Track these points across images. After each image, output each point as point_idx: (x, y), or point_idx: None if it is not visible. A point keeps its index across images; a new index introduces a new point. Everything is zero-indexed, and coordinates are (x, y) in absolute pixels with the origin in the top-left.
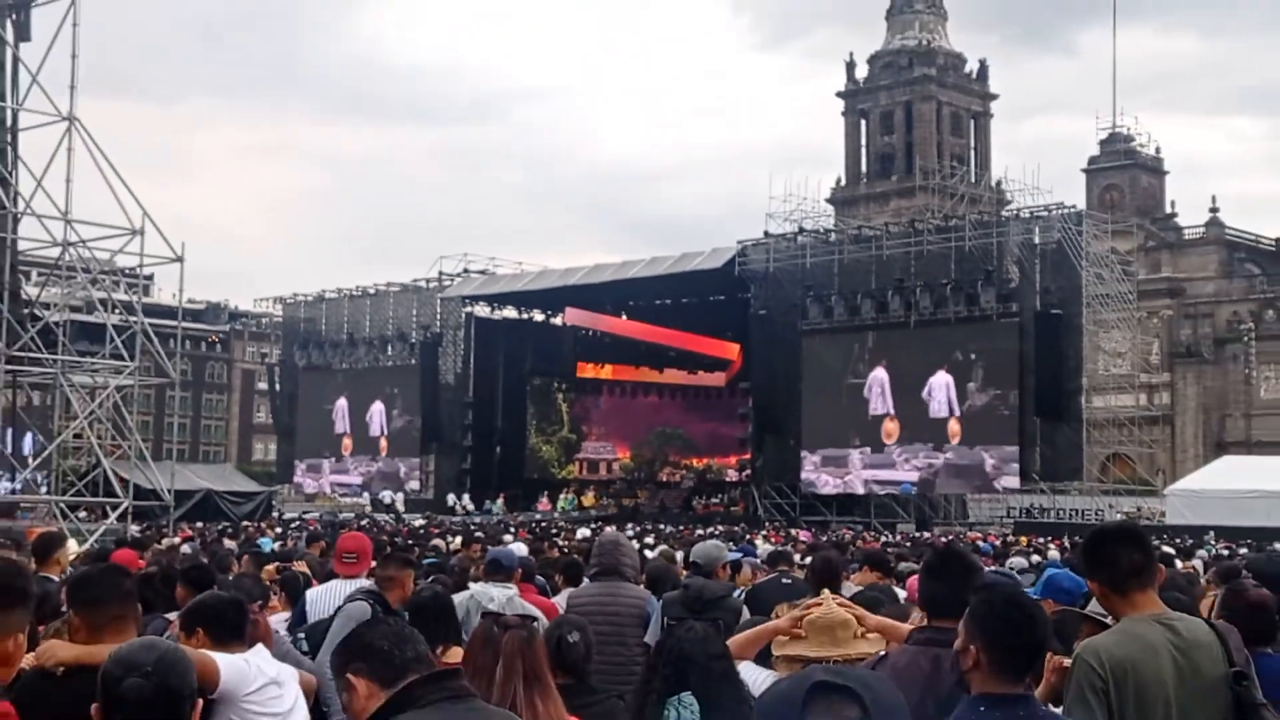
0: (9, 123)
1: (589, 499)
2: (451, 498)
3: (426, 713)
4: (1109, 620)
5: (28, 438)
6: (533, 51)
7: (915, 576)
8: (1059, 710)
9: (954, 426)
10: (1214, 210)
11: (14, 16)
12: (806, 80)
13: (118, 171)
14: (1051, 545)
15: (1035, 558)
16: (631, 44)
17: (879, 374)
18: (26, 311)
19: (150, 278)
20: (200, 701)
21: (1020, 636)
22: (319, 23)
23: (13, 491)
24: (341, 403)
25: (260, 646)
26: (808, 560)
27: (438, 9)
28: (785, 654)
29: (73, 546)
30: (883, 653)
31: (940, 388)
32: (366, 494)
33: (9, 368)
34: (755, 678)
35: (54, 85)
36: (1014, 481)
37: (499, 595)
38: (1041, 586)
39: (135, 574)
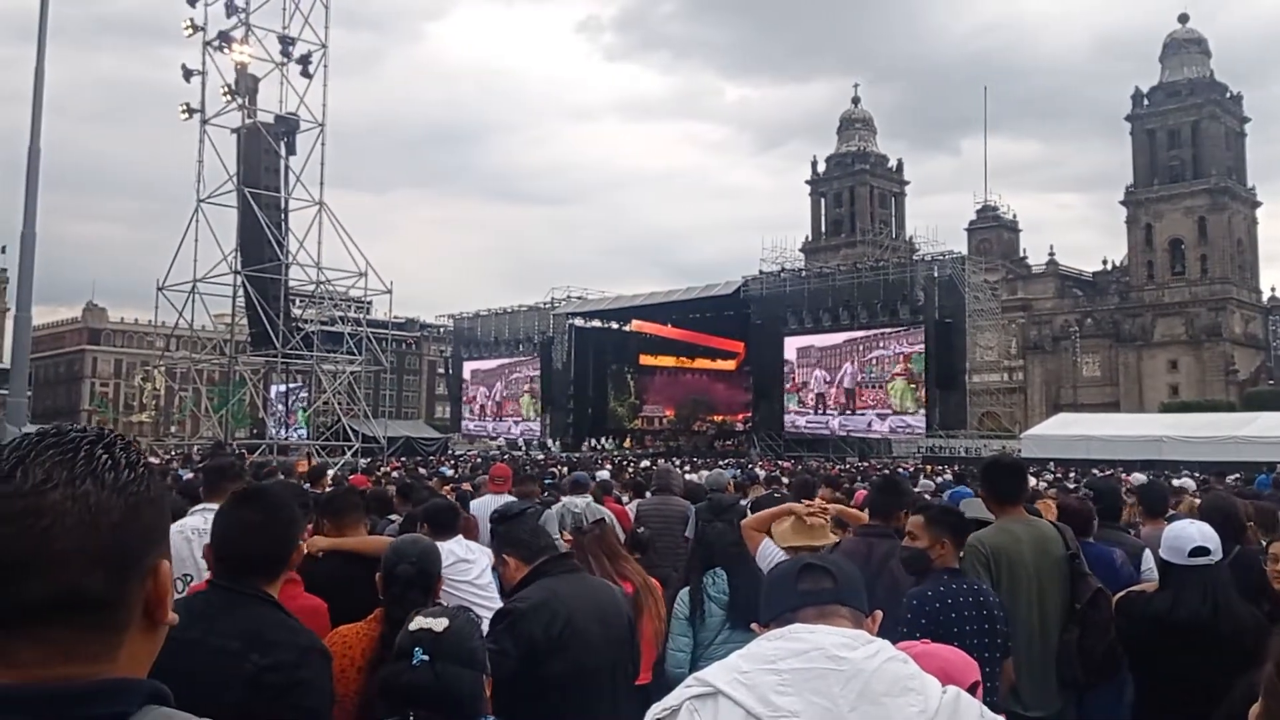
0: (283, 206)
1: (627, 443)
2: (551, 441)
3: (553, 580)
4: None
5: (297, 403)
6: (605, 158)
7: (860, 491)
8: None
9: (879, 394)
10: (1051, 254)
11: (285, 139)
12: (785, 173)
13: (350, 236)
14: (948, 471)
15: (939, 480)
16: (671, 149)
17: (836, 359)
18: (294, 325)
19: (370, 303)
20: (441, 579)
21: (966, 533)
22: (478, 139)
23: (287, 438)
24: (488, 379)
25: (460, 536)
26: (789, 480)
27: (549, 136)
28: (785, 545)
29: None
30: (837, 540)
31: (875, 366)
32: (505, 439)
33: (284, 360)
34: (770, 551)
35: (310, 181)
36: (921, 429)
37: (580, 503)
38: (947, 499)
39: (365, 491)
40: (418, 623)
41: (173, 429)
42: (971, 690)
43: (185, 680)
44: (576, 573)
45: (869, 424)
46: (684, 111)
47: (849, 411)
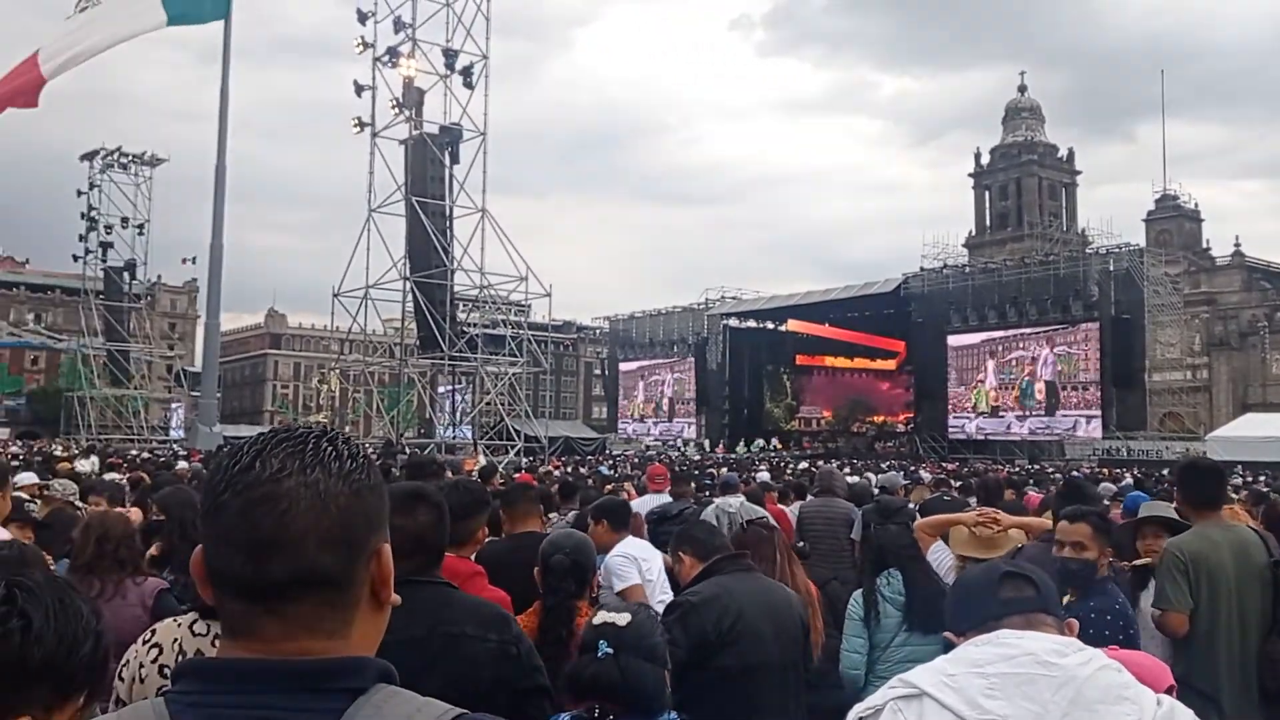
0: (448, 213)
1: (776, 444)
2: (707, 442)
3: (726, 578)
4: (1184, 522)
5: (462, 404)
6: (759, 157)
7: (1032, 495)
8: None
9: (1055, 394)
10: (1237, 245)
11: (449, 149)
12: (945, 166)
13: (511, 241)
14: (1127, 475)
15: (1119, 484)
16: (826, 145)
17: (998, 360)
18: (460, 328)
19: (530, 306)
20: (596, 570)
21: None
22: (632, 142)
23: (454, 437)
24: (644, 380)
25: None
26: (957, 484)
27: (702, 136)
28: (959, 552)
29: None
30: (1020, 546)
31: (1046, 365)
32: (661, 439)
33: (450, 363)
34: (940, 555)
35: (472, 188)
36: (1097, 432)
37: (734, 503)
38: (1124, 505)
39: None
40: (601, 617)
41: (347, 428)
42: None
43: (448, 669)
44: (749, 572)
45: (1039, 425)
46: (839, 106)
47: (1018, 412)
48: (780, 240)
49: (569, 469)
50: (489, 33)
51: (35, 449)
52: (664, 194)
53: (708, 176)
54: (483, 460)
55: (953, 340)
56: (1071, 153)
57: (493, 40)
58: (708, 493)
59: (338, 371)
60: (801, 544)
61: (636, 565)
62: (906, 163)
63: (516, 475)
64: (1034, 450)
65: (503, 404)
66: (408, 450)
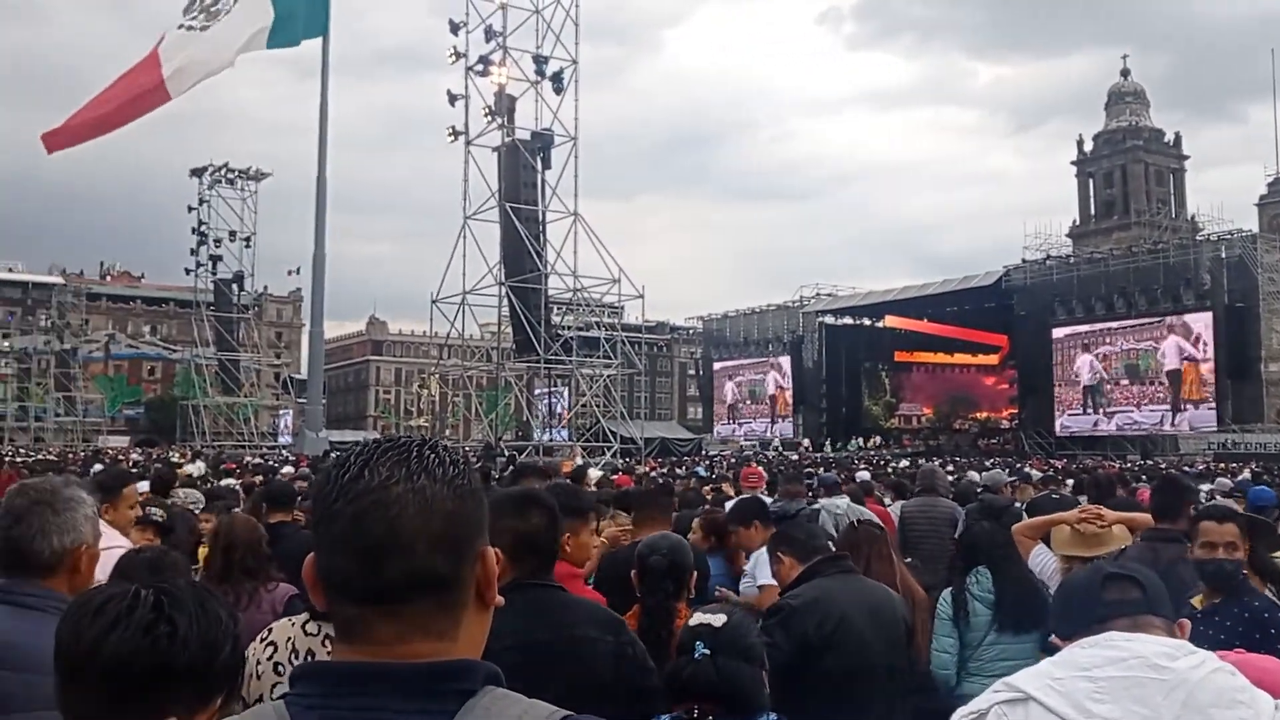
0: (541, 218)
1: (873, 442)
2: (807, 442)
3: (826, 580)
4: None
5: (558, 407)
6: (850, 151)
7: (1143, 490)
8: None
9: (1159, 387)
10: None
11: (541, 154)
12: (1045, 155)
13: (603, 244)
14: (1245, 469)
15: (1236, 479)
16: (919, 137)
17: (1102, 352)
18: (554, 332)
19: (623, 308)
20: (695, 573)
21: None
22: (720, 140)
23: (551, 439)
24: (739, 380)
25: None
26: (1069, 481)
27: (792, 133)
28: (1062, 552)
29: (593, 474)
30: (1124, 547)
31: (1170, 354)
32: (757, 439)
33: (545, 366)
34: (1042, 558)
35: (564, 193)
36: (1211, 424)
37: (841, 504)
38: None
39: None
40: (697, 618)
41: (447, 432)
42: None
43: (571, 671)
44: (851, 573)
45: (1149, 419)
46: (932, 96)
47: (1127, 405)
48: (873, 235)
49: (665, 470)
50: (578, 38)
51: (154, 456)
52: (754, 191)
53: (798, 173)
54: (579, 462)
55: (1058, 333)
56: (1178, 137)
57: (581, 45)
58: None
59: (437, 376)
60: (908, 561)
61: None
62: (1004, 152)
63: (614, 477)
64: (1146, 445)
65: (598, 406)
66: (506, 453)
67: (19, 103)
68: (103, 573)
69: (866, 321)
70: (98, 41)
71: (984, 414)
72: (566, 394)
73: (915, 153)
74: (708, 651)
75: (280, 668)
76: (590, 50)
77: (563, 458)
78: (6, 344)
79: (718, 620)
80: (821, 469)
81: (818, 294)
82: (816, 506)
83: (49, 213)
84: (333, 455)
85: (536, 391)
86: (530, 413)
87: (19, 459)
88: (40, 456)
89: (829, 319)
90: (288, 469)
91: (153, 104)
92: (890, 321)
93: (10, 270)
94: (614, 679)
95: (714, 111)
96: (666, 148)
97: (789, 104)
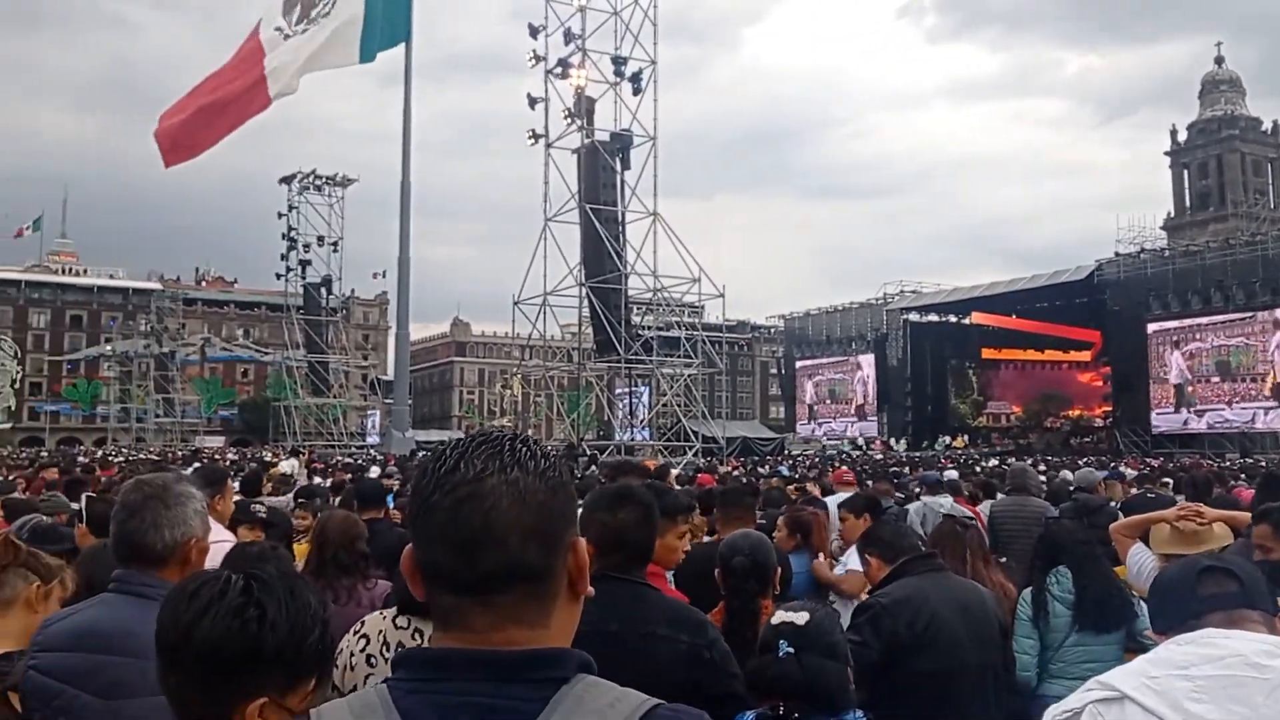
0: (620, 219)
1: (959, 442)
2: (896, 441)
3: (916, 579)
4: None
5: (639, 406)
6: (933, 145)
7: (1242, 490)
8: None
9: (1261, 383)
10: None
11: (620, 155)
12: (1136, 145)
13: (682, 243)
14: None
15: None
16: (1004, 129)
17: (1190, 349)
18: (635, 332)
19: (703, 307)
20: (780, 570)
21: None
22: (800, 137)
23: (632, 439)
24: (818, 380)
25: None
26: (1165, 480)
27: (873, 128)
28: (1161, 551)
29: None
30: (1225, 545)
31: (1273, 348)
32: (842, 438)
33: (626, 366)
34: (1140, 557)
35: (643, 193)
36: None
37: (945, 503)
38: None
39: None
40: (779, 616)
41: (530, 431)
42: None
43: (635, 667)
44: (941, 571)
45: (1251, 416)
46: (1017, 88)
47: (1217, 402)
48: (958, 230)
49: (748, 469)
50: (656, 38)
51: (248, 455)
52: (835, 188)
53: (879, 168)
54: (660, 462)
55: (1152, 327)
56: (1276, 125)
57: (660, 45)
58: (903, 492)
59: (519, 376)
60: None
61: None
62: (1093, 143)
63: (696, 476)
64: (1245, 443)
65: (679, 405)
66: (588, 452)
67: (113, 112)
68: (212, 565)
69: (952, 318)
70: (185, 52)
71: (1076, 412)
72: (647, 394)
73: (1001, 145)
74: (791, 650)
75: (373, 660)
76: (669, 50)
77: (644, 457)
78: (110, 348)
79: (800, 618)
80: (907, 468)
81: (901, 291)
82: (916, 505)
83: (147, 221)
84: (419, 455)
85: (617, 391)
86: (611, 412)
87: (121, 458)
88: (142, 456)
89: (913, 316)
90: (374, 469)
91: (258, 108)
92: (977, 318)
93: (112, 277)
94: (683, 681)
95: (794, 108)
96: (746, 146)
97: (870, 99)
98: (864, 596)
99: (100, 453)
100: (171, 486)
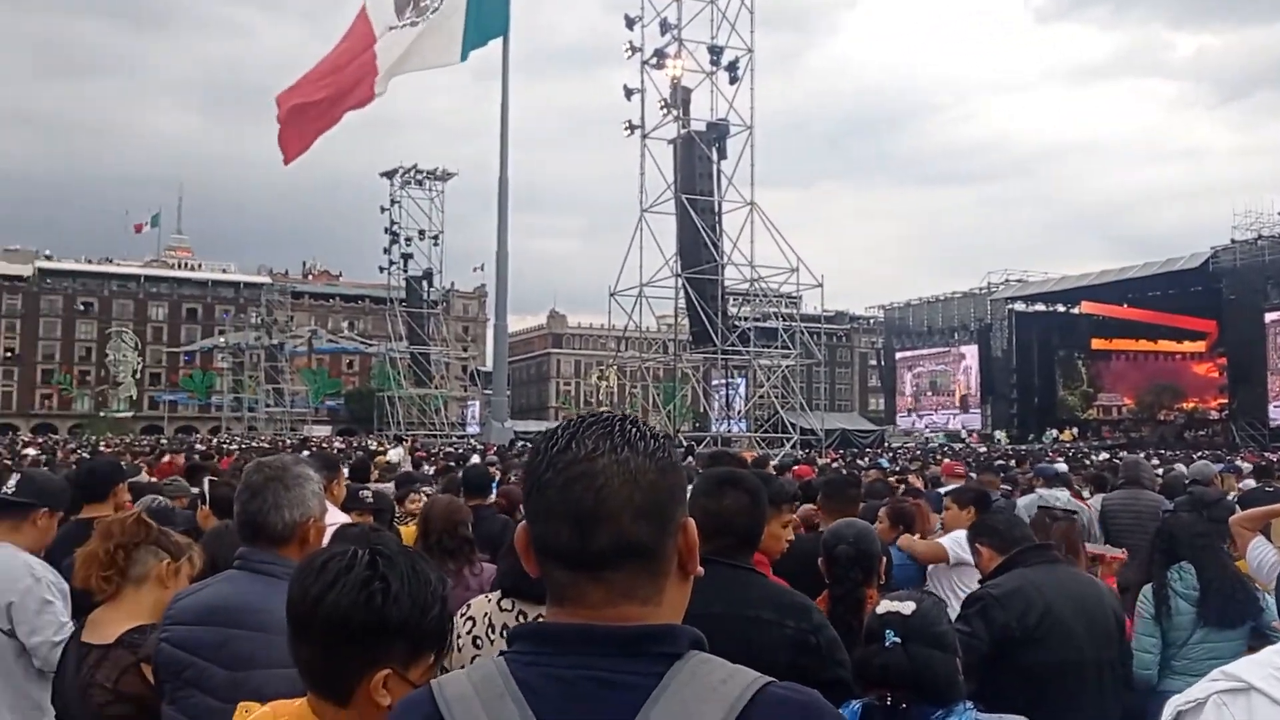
0: (717, 209)
1: (1067, 434)
2: (1002, 434)
3: (1029, 570)
4: None
5: (735, 398)
6: (1040, 129)
7: None
8: None
9: None
10: None
11: (717, 145)
12: (1254, 128)
13: (780, 233)
14: None
15: None
16: (1115, 112)
17: None
18: (731, 323)
19: (800, 297)
20: (884, 559)
21: None
22: (900, 124)
23: (729, 430)
24: (919, 371)
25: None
26: None
27: (976, 112)
28: None
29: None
30: None
31: None
32: (943, 430)
33: (723, 357)
34: (1260, 550)
35: (740, 182)
36: None
37: (1062, 496)
38: None
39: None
40: (885, 605)
41: None
42: None
43: (738, 651)
44: (1056, 563)
45: None
46: (1128, 69)
47: None
48: (1066, 217)
49: (847, 461)
50: (753, 26)
51: (354, 444)
52: (937, 175)
53: (984, 154)
54: (757, 453)
55: (1270, 317)
56: None
57: (757, 33)
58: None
59: (615, 368)
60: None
61: None
62: (1209, 125)
63: (794, 468)
64: None
65: (776, 397)
66: (684, 443)
67: (224, 112)
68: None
69: (1060, 308)
70: (292, 52)
71: (1191, 404)
72: (744, 385)
73: (1111, 129)
74: (898, 639)
75: (479, 641)
76: (765, 38)
77: (741, 449)
78: (222, 340)
79: (907, 607)
80: (1014, 461)
81: (1006, 280)
82: (1030, 498)
83: (256, 217)
84: (518, 444)
85: (714, 382)
86: (707, 404)
87: (235, 446)
88: (254, 444)
89: (1019, 305)
90: (474, 458)
91: (360, 102)
92: (1086, 307)
93: (224, 271)
94: (787, 665)
95: (894, 94)
96: (845, 133)
97: (973, 83)
98: (939, 566)
99: (215, 441)
100: (290, 469)
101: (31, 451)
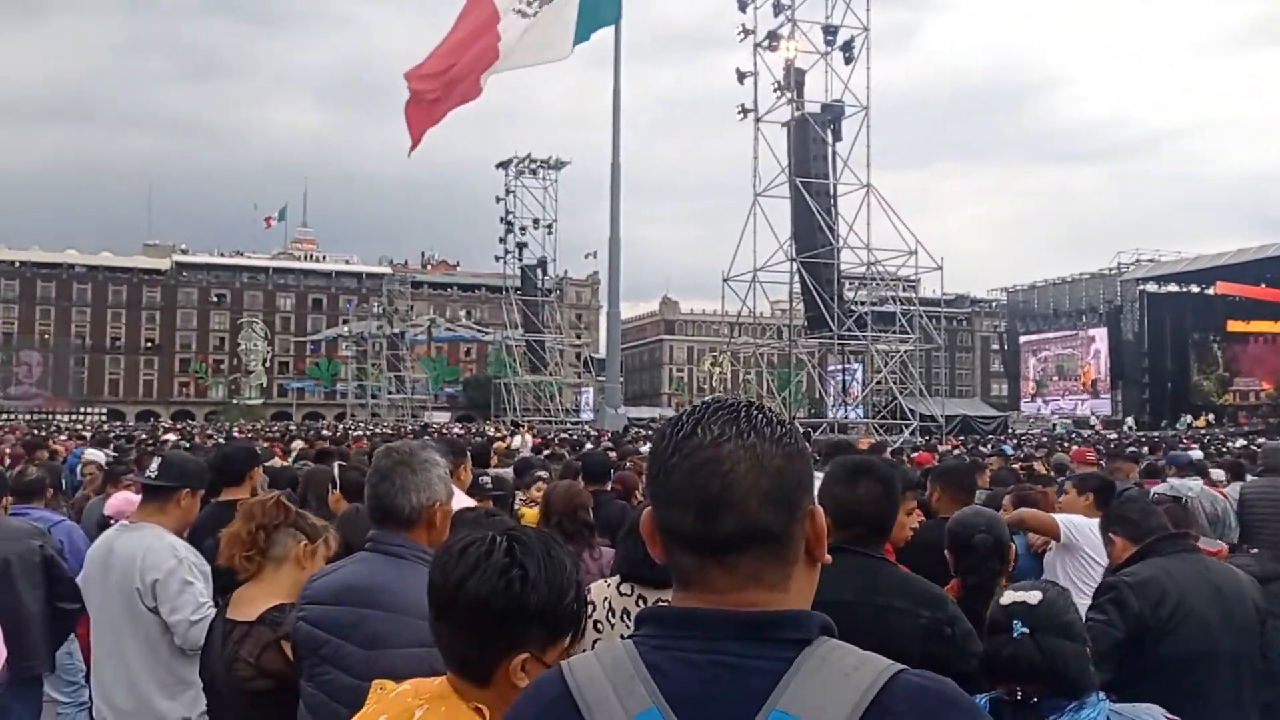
0: (832, 192)
1: (1200, 421)
2: (1132, 420)
3: (1163, 560)
4: None
5: (852, 384)
6: (1176, 102)
7: None
8: None
9: None
10: None
11: (832, 127)
12: None
13: (898, 215)
14: None
15: None
16: (1261, 84)
17: None
18: (847, 307)
19: (919, 280)
20: (1012, 547)
21: None
22: (1023, 100)
23: (845, 417)
24: (1044, 355)
25: None
26: None
27: (1105, 86)
28: None
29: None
30: None
31: None
32: (1071, 417)
33: (838, 342)
34: None
35: (856, 164)
36: None
37: (1195, 486)
38: None
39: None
40: (1010, 596)
41: None
42: None
43: (870, 639)
44: (1193, 553)
45: None
46: (1275, 35)
47: None
48: (1201, 194)
49: (968, 448)
50: (869, 3)
51: (473, 430)
52: (1061, 152)
53: (1111, 130)
54: (875, 440)
55: None
56: None
57: (873, 11)
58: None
59: (728, 354)
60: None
61: None
62: None
63: (914, 455)
64: None
65: (894, 382)
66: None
67: (345, 106)
68: None
69: (1194, 288)
70: (408, 45)
71: None
72: (860, 371)
73: (1252, 102)
74: (1026, 630)
75: (599, 625)
76: (881, 15)
77: (858, 436)
78: (346, 329)
79: (1033, 597)
80: (1146, 448)
81: (1137, 260)
82: (1160, 487)
83: (376, 209)
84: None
85: (829, 368)
86: (823, 390)
87: (359, 432)
88: (378, 430)
89: (1151, 286)
90: (588, 445)
91: (469, 96)
92: (1222, 288)
93: (347, 262)
94: (921, 656)
95: (1015, 69)
96: (964, 111)
97: (1101, 55)
98: (1049, 545)
99: (340, 427)
100: (417, 453)
101: (171, 437)
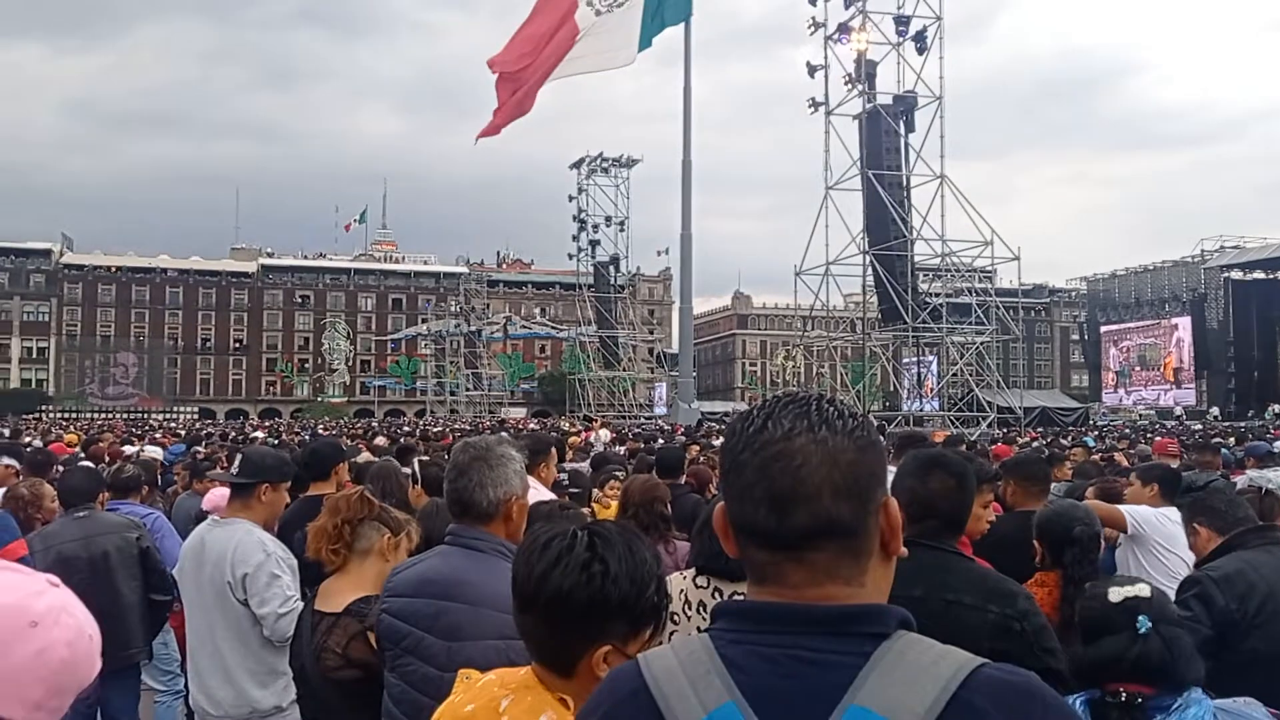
0: (905, 183)
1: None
2: (1216, 410)
3: (1249, 553)
4: None
5: (926, 376)
6: (1262, 83)
7: None
8: None
9: None
10: None
11: (904, 118)
12: None
13: (973, 205)
14: None
15: None
16: None
17: None
18: (922, 299)
19: (995, 271)
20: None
21: None
22: (1101, 86)
23: (920, 410)
24: (1126, 345)
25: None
26: None
27: (1186, 69)
28: None
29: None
30: None
31: None
32: (1154, 407)
33: (913, 335)
34: None
35: (929, 155)
36: None
37: (1275, 477)
38: None
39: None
40: (1120, 592)
41: None
42: None
43: (937, 634)
44: (1278, 545)
45: None
46: None
47: None
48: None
49: (1048, 440)
50: None
51: (548, 426)
52: (1140, 139)
53: (1193, 115)
54: (950, 433)
55: None
56: None
57: (945, 0)
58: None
59: (801, 348)
60: None
61: None
62: None
63: (992, 447)
64: None
65: (971, 374)
66: (874, 423)
67: (422, 111)
68: None
69: None
70: (483, 51)
71: None
72: (935, 363)
73: None
74: (1151, 624)
75: (675, 618)
76: (954, 4)
77: (933, 429)
78: (425, 328)
79: (1144, 590)
80: (1232, 439)
81: (1221, 247)
82: (1239, 479)
83: (453, 209)
84: (705, 425)
85: (904, 361)
86: (897, 382)
87: (439, 428)
88: (457, 426)
89: (1236, 274)
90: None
91: (524, 110)
92: None
93: (425, 263)
94: (988, 651)
95: (1092, 54)
96: (1040, 99)
97: (1181, 38)
98: (1117, 538)
99: (420, 423)
100: (494, 448)
101: (259, 434)
